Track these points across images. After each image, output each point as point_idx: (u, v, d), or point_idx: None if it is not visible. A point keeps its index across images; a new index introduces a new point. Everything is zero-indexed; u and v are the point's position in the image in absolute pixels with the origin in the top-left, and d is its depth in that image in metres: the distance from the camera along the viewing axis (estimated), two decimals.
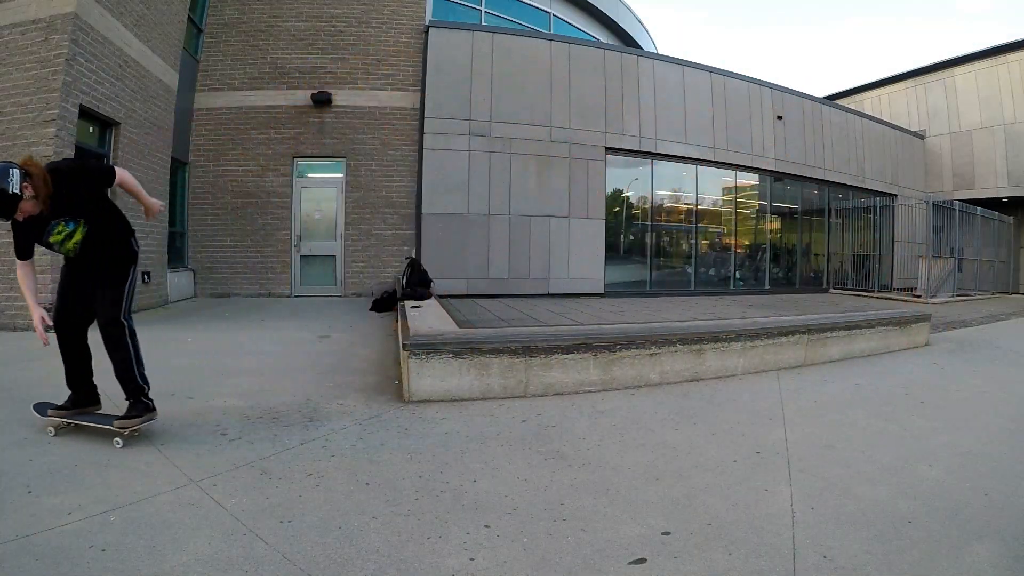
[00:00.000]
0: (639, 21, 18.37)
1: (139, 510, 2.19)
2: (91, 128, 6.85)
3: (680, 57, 12.71)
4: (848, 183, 14.92)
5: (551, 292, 10.53)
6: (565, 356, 4.06)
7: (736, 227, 13.47)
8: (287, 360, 4.92)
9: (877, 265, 14.55)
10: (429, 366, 3.79)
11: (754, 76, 13.16)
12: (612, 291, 11.13)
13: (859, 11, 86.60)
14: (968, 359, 5.89)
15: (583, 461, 2.85)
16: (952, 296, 13.00)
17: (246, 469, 2.61)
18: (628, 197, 12.20)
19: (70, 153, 6.09)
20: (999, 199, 16.16)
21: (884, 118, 17.13)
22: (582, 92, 10.91)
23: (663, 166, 12.13)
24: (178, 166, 9.43)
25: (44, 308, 2.86)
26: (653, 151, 11.69)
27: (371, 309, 8.29)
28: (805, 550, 2.02)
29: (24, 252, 2.77)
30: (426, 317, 5.58)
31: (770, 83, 13.47)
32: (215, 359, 4.86)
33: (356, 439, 3.06)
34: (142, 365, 2.92)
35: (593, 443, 3.11)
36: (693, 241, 12.74)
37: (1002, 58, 15.64)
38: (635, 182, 12.11)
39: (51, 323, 2.85)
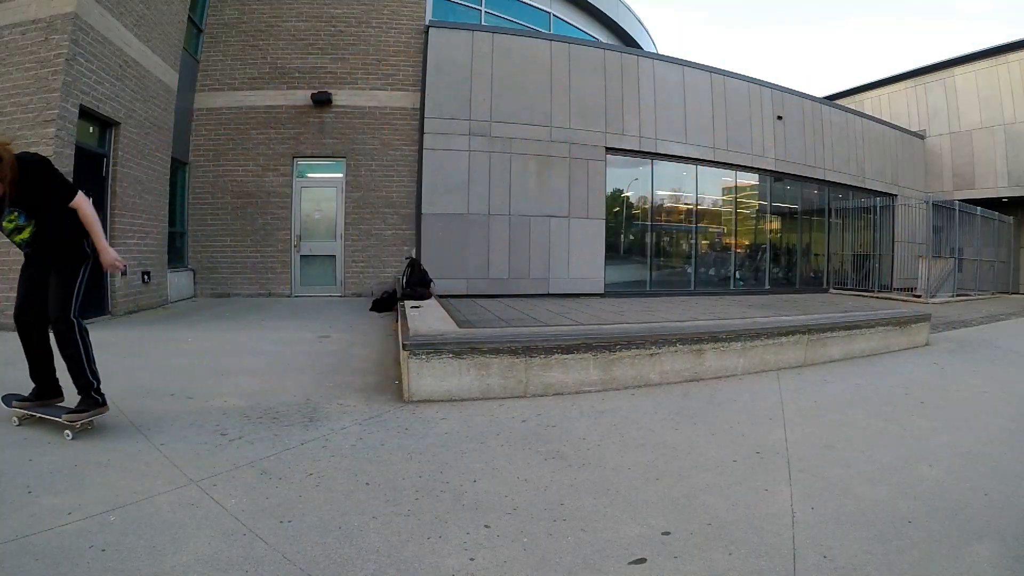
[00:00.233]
0: (639, 21, 18.37)
1: (139, 510, 2.19)
2: (91, 128, 6.85)
3: (680, 57, 12.73)
4: (848, 183, 14.93)
5: (551, 292, 10.54)
6: (565, 356, 4.06)
7: (736, 227, 13.47)
8: (287, 360, 4.92)
9: (877, 265, 14.55)
10: (429, 366, 3.79)
11: (754, 76, 13.18)
12: (612, 291, 11.13)
13: (859, 11, 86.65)
14: (968, 359, 5.89)
15: (583, 461, 2.85)
16: (952, 296, 13.00)
17: (246, 469, 2.61)
18: (628, 197, 12.20)
19: (70, 153, 6.10)
20: (999, 199, 16.16)
21: (884, 118, 17.13)
22: (582, 92, 10.91)
23: (663, 166, 12.14)
24: (178, 166, 9.43)
25: None
26: (653, 151, 11.69)
27: (371, 309, 8.29)
28: (805, 550, 2.02)
29: None
30: (426, 317, 5.58)
31: (770, 83, 13.47)
32: (215, 359, 4.86)
33: (356, 439, 3.06)
34: (92, 361, 3.01)
35: (593, 443, 3.11)
36: (693, 241, 12.74)
37: (1002, 58, 15.65)
38: (635, 182, 12.11)
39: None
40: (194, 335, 6.06)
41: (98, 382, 3.00)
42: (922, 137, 17.41)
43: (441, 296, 8.66)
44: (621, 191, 12.04)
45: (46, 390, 3.11)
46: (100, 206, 6.94)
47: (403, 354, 3.97)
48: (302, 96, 9.98)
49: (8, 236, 2.91)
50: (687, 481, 2.63)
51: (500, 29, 11.33)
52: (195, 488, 2.40)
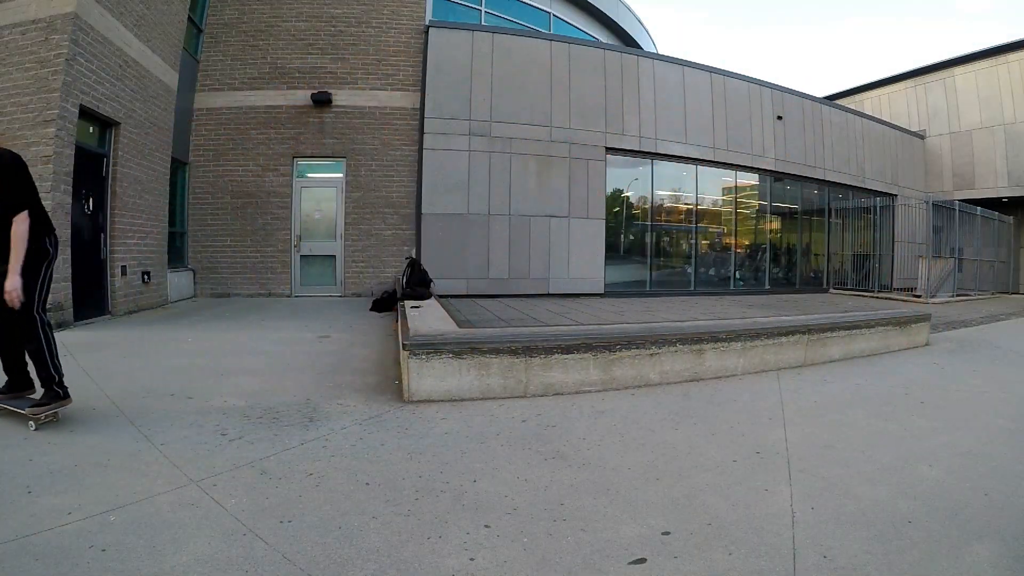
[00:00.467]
0: (639, 21, 18.38)
1: (139, 510, 2.19)
2: (91, 128, 6.85)
3: (680, 57, 12.73)
4: (848, 183, 14.93)
5: (551, 292, 10.54)
6: (565, 356, 4.06)
7: (736, 227, 13.47)
8: (287, 360, 4.92)
9: (877, 265, 14.55)
10: (429, 366, 3.79)
11: (754, 76, 13.18)
12: (612, 291, 11.13)
13: (859, 11, 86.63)
14: (968, 359, 5.89)
15: (583, 461, 2.85)
16: (952, 296, 13.00)
17: (246, 469, 2.61)
18: (628, 197, 12.20)
19: (70, 153, 6.10)
20: (999, 199, 16.16)
21: (884, 118, 17.13)
22: (582, 92, 10.91)
23: (663, 166, 12.14)
24: (178, 166, 9.43)
25: None
26: (653, 151, 11.69)
27: (371, 309, 8.29)
28: (805, 550, 2.02)
29: None
30: (426, 317, 5.58)
31: (770, 83, 13.47)
32: (215, 359, 4.86)
33: (356, 439, 3.06)
34: (55, 356, 3.08)
35: (593, 443, 3.11)
36: (693, 241, 12.74)
37: (1002, 58, 15.65)
38: (635, 182, 12.11)
39: None
40: (194, 335, 6.06)
41: (60, 375, 3.08)
42: (922, 137, 17.41)
43: (441, 296, 8.66)
44: (621, 191, 12.04)
45: (18, 383, 3.22)
46: (100, 206, 6.96)
47: (403, 354, 3.97)
48: (302, 96, 9.98)
49: None
50: (687, 481, 2.63)
51: (500, 29, 11.33)
52: (195, 488, 2.40)
